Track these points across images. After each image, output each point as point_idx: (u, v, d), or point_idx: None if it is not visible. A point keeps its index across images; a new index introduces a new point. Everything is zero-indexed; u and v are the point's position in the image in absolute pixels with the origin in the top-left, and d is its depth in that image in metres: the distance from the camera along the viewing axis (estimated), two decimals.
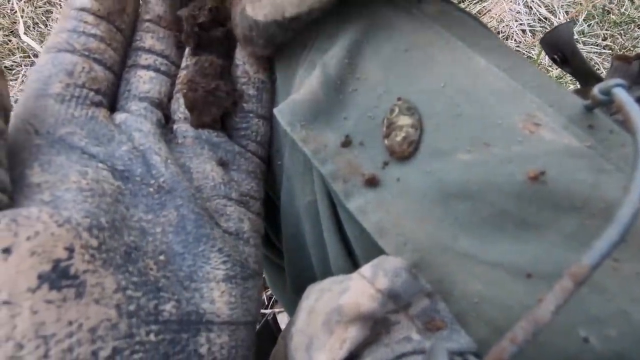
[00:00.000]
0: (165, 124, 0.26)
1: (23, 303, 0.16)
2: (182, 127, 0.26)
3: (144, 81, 0.26)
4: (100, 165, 0.21)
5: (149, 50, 0.26)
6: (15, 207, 0.18)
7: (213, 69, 0.26)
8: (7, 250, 0.16)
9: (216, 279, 0.22)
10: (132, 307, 0.18)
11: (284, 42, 0.26)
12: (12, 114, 0.21)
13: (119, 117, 0.24)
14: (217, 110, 0.26)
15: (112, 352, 0.17)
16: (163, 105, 0.26)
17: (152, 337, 0.18)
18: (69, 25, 0.24)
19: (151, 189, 0.22)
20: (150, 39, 0.27)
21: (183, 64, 0.27)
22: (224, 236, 0.23)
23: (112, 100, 0.25)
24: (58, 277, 0.17)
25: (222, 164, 0.26)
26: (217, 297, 0.21)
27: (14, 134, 0.21)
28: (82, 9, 0.24)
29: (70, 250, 0.17)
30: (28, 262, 0.16)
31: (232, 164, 0.26)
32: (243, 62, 0.27)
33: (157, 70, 0.26)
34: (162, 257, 0.21)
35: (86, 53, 0.23)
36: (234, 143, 0.27)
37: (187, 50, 0.28)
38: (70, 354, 0.16)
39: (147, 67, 0.26)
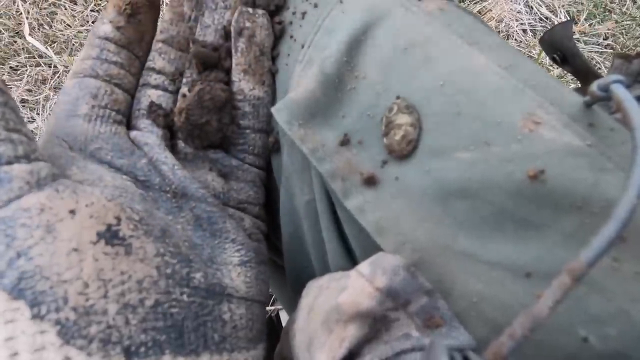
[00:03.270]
0: (171, 139, 0.28)
1: (87, 251, 0.19)
2: (182, 143, 0.28)
3: (153, 100, 0.28)
4: (124, 177, 0.24)
5: (159, 72, 0.28)
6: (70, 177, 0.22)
7: (212, 102, 0.27)
8: (72, 212, 0.20)
9: (232, 264, 0.25)
10: (168, 270, 0.22)
11: None
12: (46, 130, 0.25)
13: (132, 134, 0.27)
14: (201, 143, 0.27)
15: (154, 302, 0.20)
16: (168, 122, 0.28)
17: (185, 297, 0.22)
18: (94, 53, 0.26)
19: (169, 195, 0.25)
20: (162, 60, 0.29)
21: (186, 80, 0.29)
22: (236, 228, 0.26)
23: (128, 119, 0.28)
24: (111, 236, 0.21)
25: (222, 175, 0.28)
26: (235, 277, 0.24)
27: (51, 147, 0.24)
28: (106, 38, 0.27)
29: (118, 219, 0.21)
30: (89, 222, 0.20)
31: (232, 175, 0.28)
32: (239, 80, 0.28)
33: (165, 89, 0.28)
34: (187, 244, 0.24)
35: (107, 78, 0.26)
36: (232, 157, 0.28)
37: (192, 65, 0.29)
38: (123, 297, 0.20)
39: (156, 87, 0.28)
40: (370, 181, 0.23)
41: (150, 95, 0.28)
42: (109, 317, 0.19)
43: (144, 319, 0.20)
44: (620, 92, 0.19)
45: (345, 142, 0.24)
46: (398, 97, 0.24)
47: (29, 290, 0.18)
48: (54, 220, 0.19)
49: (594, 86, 0.20)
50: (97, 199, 0.21)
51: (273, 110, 0.26)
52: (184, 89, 0.28)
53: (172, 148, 0.28)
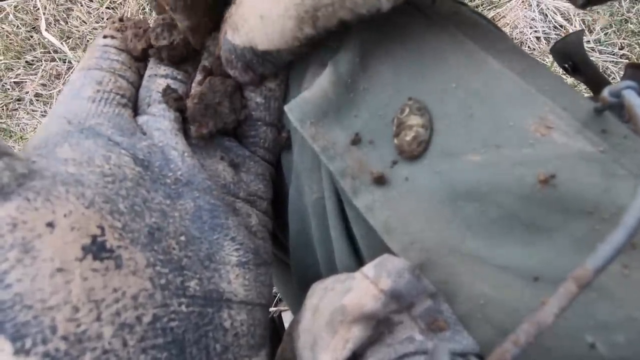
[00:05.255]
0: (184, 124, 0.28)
1: (74, 270, 0.17)
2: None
3: (164, 87, 0.28)
4: (123, 151, 0.23)
5: (167, 64, 0.29)
6: (39, 176, 0.20)
7: (223, 87, 0.27)
8: (50, 224, 0.18)
9: (230, 264, 0.24)
10: (162, 281, 0.20)
11: (266, 73, 0.27)
12: (50, 112, 0.25)
13: (141, 119, 0.26)
14: (214, 124, 0.27)
15: (152, 318, 0.19)
16: (181, 105, 0.28)
17: (183, 308, 0.20)
18: (97, 54, 0.27)
19: (168, 180, 0.24)
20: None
21: (197, 78, 0.29)
22: (238, 226, 0.25)
23: (134, 109, 0.27)
24: (98, 249, 0.19)
25: (233, 165, 0.27)
26: (232, 279, 0.23)
27: (49, 125, 0.23)
28: (106, 45, 0.28)
29: (101, 228, 0.19)
30: (71, 235, 0.18)
31: (242, 166, 0.28)
32: None
33: (174, 78, 0.28)
34: (182, 238, 0.22)
35: (112, 70, 0.27)
36: (244, 148, 0.28)
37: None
38: (118, 317, 0.18)
39: (165, 76, 0.28)
40: (380, 180, 0.23)
41: (161, 83, 0.28)
42: (104, 341, 0.17)
43: (142, 338, 0.18)
44: (632, 98, 0.19)
45: (356, 141, 0.25)
46: (410, 99, 0.24)
47: (9, 323, 0.16)
48: (30, 236, 0.17)
49: (605, 92, 0.20)
50: (75, 206, 0.19)
51: (286, 108, 0.26)
52: (198, 77, 0.28)
53: (185, 133, 0.27)
